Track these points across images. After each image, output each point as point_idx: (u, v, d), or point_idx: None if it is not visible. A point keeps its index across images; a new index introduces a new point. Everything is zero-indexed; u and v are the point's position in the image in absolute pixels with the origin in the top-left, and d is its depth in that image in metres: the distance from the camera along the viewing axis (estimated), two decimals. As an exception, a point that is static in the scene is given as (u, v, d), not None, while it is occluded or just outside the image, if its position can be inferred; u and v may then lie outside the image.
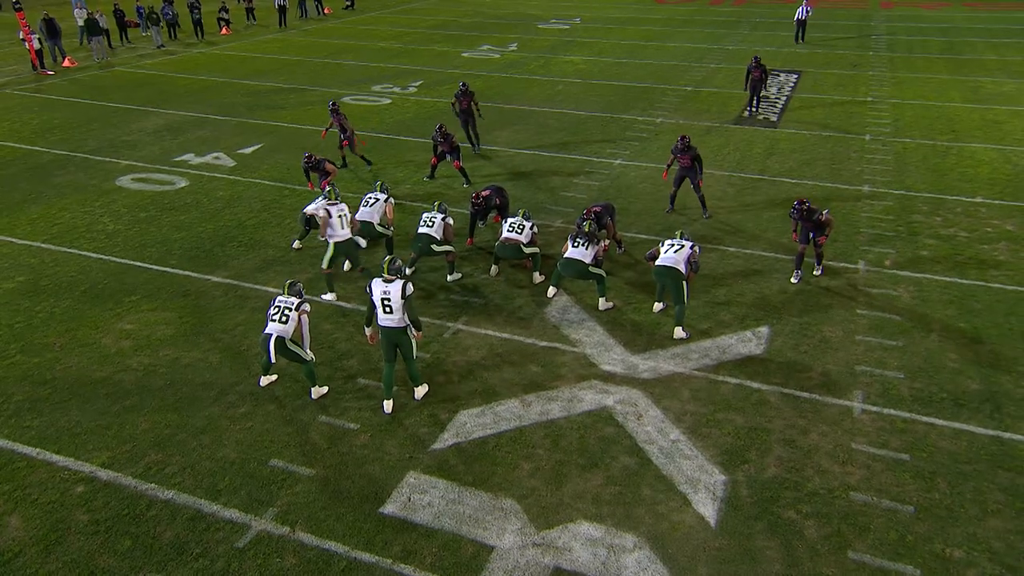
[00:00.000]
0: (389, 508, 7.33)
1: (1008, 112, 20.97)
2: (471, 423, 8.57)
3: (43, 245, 13.15)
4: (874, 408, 8.82)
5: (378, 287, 8.45)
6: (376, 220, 11.90)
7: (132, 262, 12.52)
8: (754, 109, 21.53)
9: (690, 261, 10.17)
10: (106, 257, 12.70)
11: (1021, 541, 6.96)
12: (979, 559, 6.77)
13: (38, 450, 8.18)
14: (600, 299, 11.10)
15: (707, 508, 7.35)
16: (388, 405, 8.74)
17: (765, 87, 21.61)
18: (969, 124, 19.92)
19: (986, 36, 32.10)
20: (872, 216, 14.12)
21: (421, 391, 9.05)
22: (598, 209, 11.80)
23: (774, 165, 17.02)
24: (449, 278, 11.78)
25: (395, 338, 8.57)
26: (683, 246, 10.26)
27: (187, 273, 12.13)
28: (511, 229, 11.51)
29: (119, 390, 9.18)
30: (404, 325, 8.53)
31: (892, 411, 8.76)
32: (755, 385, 9.25)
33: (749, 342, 10.17)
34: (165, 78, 25.60)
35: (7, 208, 14.74)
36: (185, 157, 17.63)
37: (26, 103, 22.47)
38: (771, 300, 11.21)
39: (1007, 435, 8.35)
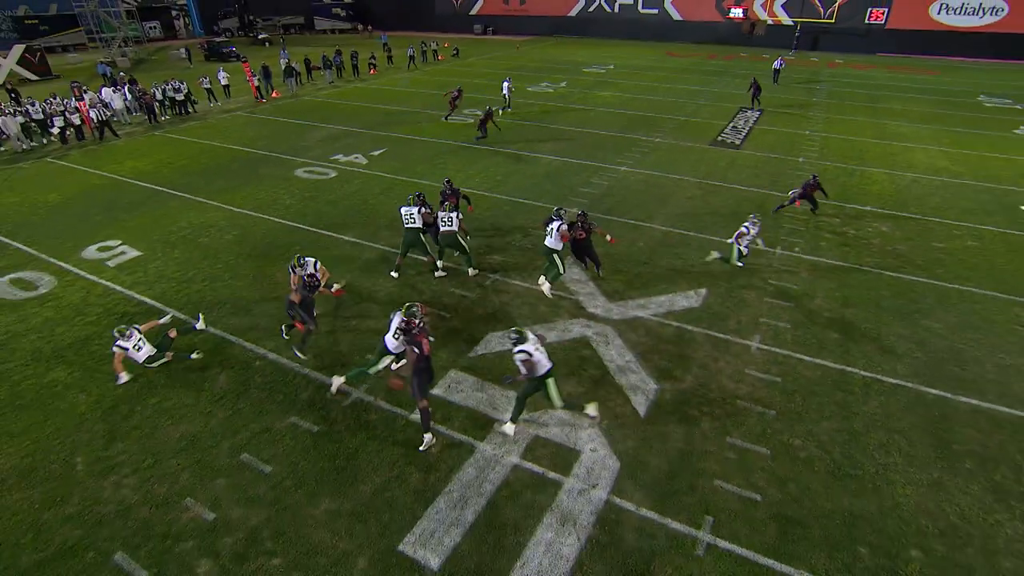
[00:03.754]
0: (436, 391, 7.85)
1: (901, 147, 19.65)
2: (495, 341, 8.94)
3: (248, 212, 13.86)
4: (766, 347, 8.90)
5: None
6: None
7: (298, 225, 13.06)
8: (752, 108, 24.59)
9: None
10: (283, 221, 13.28)
11: (839, 436, 7.15)
12: (810, 446, 6.98)
13: (236, 337, 8.99)
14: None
15: (641, 406, 7.67)
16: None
17: (758, 97, 25.21)
18: (872, 154, 18.81)
19: (897, 92, 29.80)
20: (793, 216, 13.74)
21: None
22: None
23: (732, 176, 16.58)
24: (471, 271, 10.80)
25: None
26: None
27: (330, 233, 12.57)
28: (409, 220, 10.17)
29: (284, 306, 9.87)
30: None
31: (777, 349, 8.83)
32: (689, 327, 9.35)
33: (691, 298, 10.21)
34: (331, 104, 26.19)
35: (230, 188, 15.53)
36: (337, 157, 18.13)
37: (248, 121, 23.32)
38: (712, 270, 11.17)
39: (849, 368, 8.38)
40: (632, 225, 13.10)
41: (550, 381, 6.86)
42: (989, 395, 7.92)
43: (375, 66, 34.71)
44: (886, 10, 43.28)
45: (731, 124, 22.42)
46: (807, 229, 12.96)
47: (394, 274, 10.82)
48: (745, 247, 11.02)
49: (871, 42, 44.41)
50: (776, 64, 31.85)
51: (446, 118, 22.25)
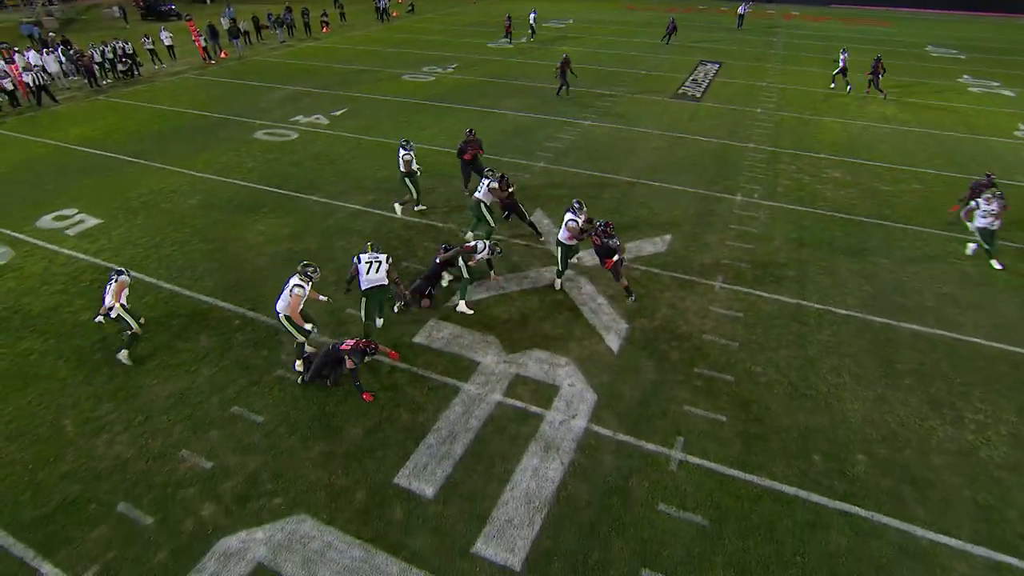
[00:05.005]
0: (418, 339, 8.17)
1: (853, 97, 20.38)
2: (472, 291, 9.22)
3: (210, 176, 13.63)
4: (728, 285, 9.45)
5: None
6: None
7: (264, 187, 12.96)
8: (667, 43, 29.04)
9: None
10: (248, 184, 13.15)
11: (796, 362, 7.79)
12: (769, 371, 7.61)
13: (213, 299, 9.05)
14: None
15: (614, 343, 8.15)
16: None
17: (672, 36, 29.39)
18: (825, 104, 19.48)
19: (850, 43, 30.49)
20: (752, 164, 14.29)
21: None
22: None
23: (693, 127, 17.00)
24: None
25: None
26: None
27: (297, 194, 12.53)
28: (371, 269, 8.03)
29: (257, 266, 9.93)
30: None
31: (739, 287, 9.39)
32: (655, 271, 9.82)
33: (656, 244, 10.65)
34: (286, 64, 25.34)
35: (189, 152, 15.14)
36: (297, 118, 17.78)
37: (199, 84, 22.44)
38: (676, 217, 11.63)
39: (804, 302, 9.03)
40: (599, 177, 13.42)
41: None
42: (928, 320, 8.68)
43: (328, 24, 33.48)
44: (840, -40, 43.84)
45: (691, 77, 22.73)
46: (765, 177, 13.53)
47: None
48: (983, 223, 9.76)
49: (825, -7, 45.01)
50: (741, 10, 34.95)
51: (509, 42, 28.88)
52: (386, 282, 7.94)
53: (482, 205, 10.12)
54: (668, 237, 10.88)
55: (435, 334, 8.27)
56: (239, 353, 7.91)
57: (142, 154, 15.04)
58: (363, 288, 7.90)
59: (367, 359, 7.16)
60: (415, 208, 11.83)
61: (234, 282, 9.48)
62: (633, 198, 12.43)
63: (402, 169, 11.23)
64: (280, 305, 7.37)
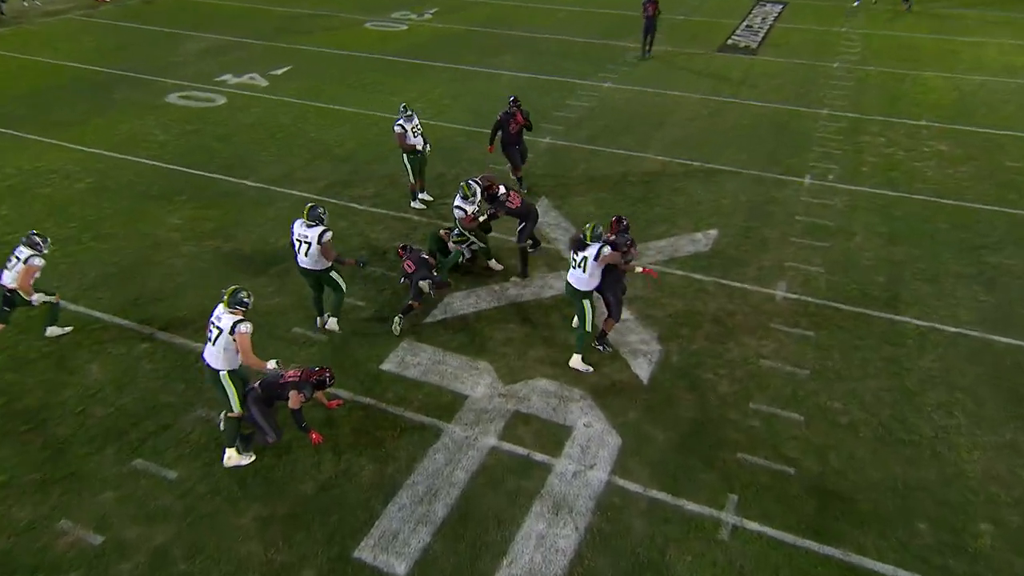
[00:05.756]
0: (387, 365, 8.17)
1: (964, 43, 20.73)
2: (457, 303, 9.28)
3: (106, 152, 13.68)
4: (794, 296, 9.48)
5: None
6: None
7: (180, 167, 13.04)
8: None
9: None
10: (158, 163, 13.22)
11: (888, 396, 7.80)
12: (852, 408, 7.62)
13: (109, 315, 9.04)
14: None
15: (642, 370, 8.14)
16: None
17: None
18: (929, 54, 19.78)
19: None
20: (825, 136, 14.45)
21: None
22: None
23: (746, 90, 17.19)
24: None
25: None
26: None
27: (226, 178, 12.63)
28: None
29: (172, 271, 9.96)
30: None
31: (809, 298, 9.42)
32: (697, 276, 9.86)
33: (698, 241, 10.73)
34: (205, 4, 25.53)
35: (75, 120, 15.23)
36: (224, 77, 17.90)
37: (86, 28, 22.63)
38: (724, 207, 11.73)
39: (898, 318, 9.07)
40: (623, 156, 13.54)
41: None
42: (1070, 340, 8.72)
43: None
44: None
45: (744, 23, 23.03)
46: (843, 153, 13.67)
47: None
48: None
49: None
50: None
51: None
52: (319, 268, 8.28)
53: (459, 225, 9.80)
54: (713, 233, 10.96)
55: (409, 359, 8.28)
56: (145, 387, 7.89)
57: (7, 122, 15.16)
58: (299, 265, 8.44)
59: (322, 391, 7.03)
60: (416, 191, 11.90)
61: (139, 293, 9.48)
62: (665, 183, 12.54)
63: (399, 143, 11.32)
64: (216, 359, 6.61)
